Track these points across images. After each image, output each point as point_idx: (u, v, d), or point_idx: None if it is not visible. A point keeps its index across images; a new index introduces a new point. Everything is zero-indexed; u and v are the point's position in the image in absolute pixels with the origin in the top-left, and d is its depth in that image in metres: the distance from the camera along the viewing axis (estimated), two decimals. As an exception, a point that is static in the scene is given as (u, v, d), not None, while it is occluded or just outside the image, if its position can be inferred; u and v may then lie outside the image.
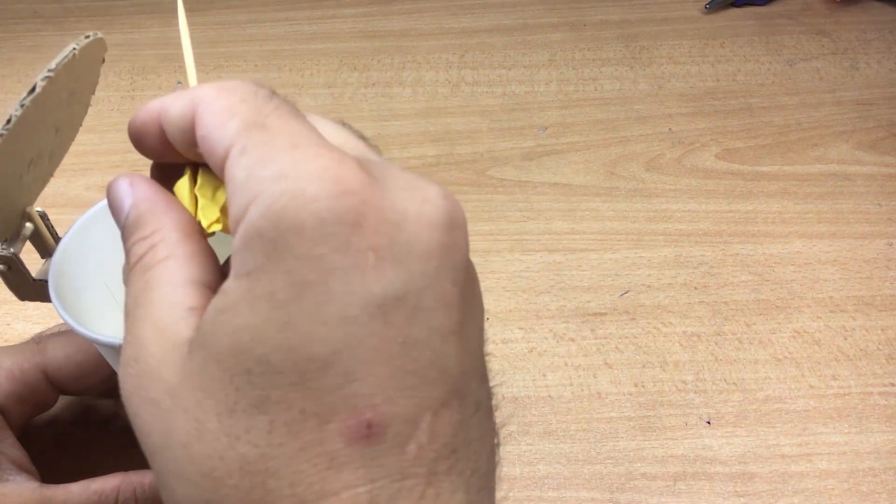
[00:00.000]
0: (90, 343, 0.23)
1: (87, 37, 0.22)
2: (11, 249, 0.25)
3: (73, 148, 0.59)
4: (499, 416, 0.18)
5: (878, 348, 0.39)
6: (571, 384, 0.38)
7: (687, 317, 0.41)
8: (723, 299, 0.41)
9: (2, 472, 0.28)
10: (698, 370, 0.38)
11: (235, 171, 0.15)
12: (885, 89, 0.55)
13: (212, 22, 0.66)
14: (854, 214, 0.46)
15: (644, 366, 0.38)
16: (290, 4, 0.67)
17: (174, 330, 0.16)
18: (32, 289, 0.26)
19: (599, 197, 0.48)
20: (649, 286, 0.42)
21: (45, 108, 0.22)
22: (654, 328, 0.40)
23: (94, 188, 0.50)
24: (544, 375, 0.38)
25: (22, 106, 0.21)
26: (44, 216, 0.27)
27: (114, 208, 0.19)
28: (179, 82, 0.59)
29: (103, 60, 0.24)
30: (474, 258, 0.52)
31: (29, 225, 0.26)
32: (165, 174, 0.20)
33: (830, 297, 0.41)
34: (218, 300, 0.15)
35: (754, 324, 0.40)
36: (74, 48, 0.22)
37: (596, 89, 0.57)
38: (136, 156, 0.61)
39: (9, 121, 0.21)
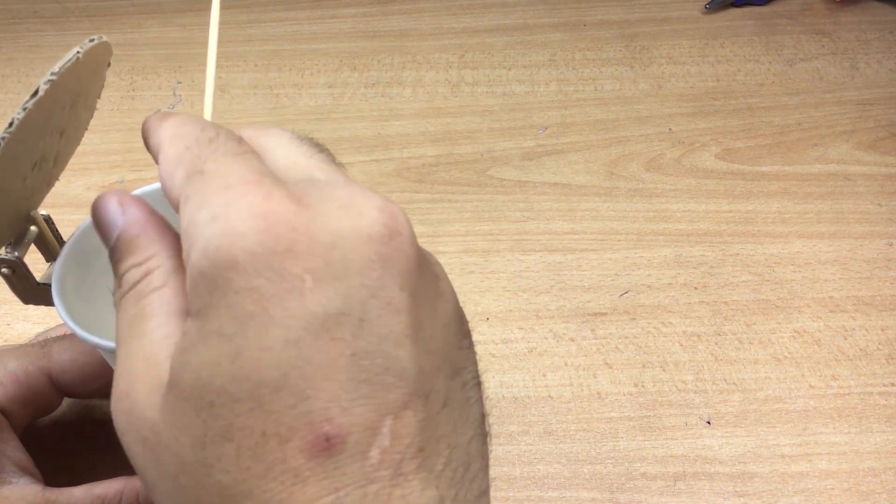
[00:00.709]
0: (94, 347, 0.23)
1: (92, 40, 0.22)
2: (16, 253, 0.25)
3: (74, 148, 0.58)
4: (490, 406, 0.18)
5: (878, 348, 0.39)
6: (571, 384, 0.38)
7: (687, 317, 0.41)
8: (723, 299, 0.41)
9: (5, 474, 0.28)
10: (698, 370, 0.38)
11: (181, 218, 0.16)
12: (886, 89, 0.55)
13: (212, 22, 0.66)
14: (854, 214, 0.46)
15: (644, 366, 0.38)
16: (290, 4, 0.67)
17: (164, 367, 0.16)
18: (36, 293, 0.26)
19: (599, 197, 0.48)
20: (649, 286, 0.42)
21: (48, 111, 0.22)
22: (655, 328, 0.40)
23: (95, 188, 0.50)
24: (544, 375, 0.38)
25: (24, 109, 0.21)
26: (48, 220, 0.27)
27: (102, 228, 0.19)
28: (179, 82, 0.59)
29: (109, 64, 0.24)
30: (475, 258, 0.52)
31: (33, 228, 0.26)
32: None
33: (831, 297, 0.41)
34: (181, 341, 0.16)
35: (754, 324, 0.40)
36: (79, 52, 0.22)
37: (596, 89, 0.57)
38: (136, 155, 0.61)
39: (11, 124, 0.21)
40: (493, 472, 0.32)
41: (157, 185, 0.28)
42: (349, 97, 0.57)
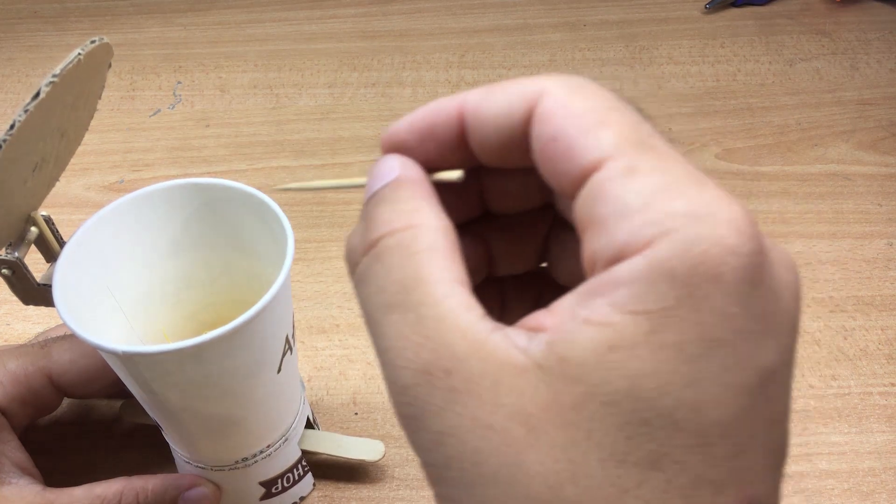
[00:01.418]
0: (95, 348, 0.23)
1: (93, 41, 0.22)
2: (16, 254, 0.25)
3: (74, 148, 0.58)
4: None
5: (878, 348, 0.39)
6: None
7: (687, 317, 0.41)
8: (723, 299, 0.41)
9: (5, 474, 0.28)
10: (698, 370, 0.38)
11: (620, 191, 0.14)
12: (886, 89, 0.55)
13: (212, 22, 0.66)
14: (854, 214, 0.46)
15: (644, 366, 0.38)
16: (290, 4, 0.67)
17: (495, 345, 0.14)
18: (37, 293, 0.26)
19: (599, 197, 0.48)
20: (649, 286, 0.42)
21: (49, 112, 0.22)
22: (655, 328, 0.40)
23: (94, 188, 0.50)
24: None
25: (26, 111, 0.21)
26: (49, 221, 0.27)
27: (375, 175, 0.17)
28: (179, 82, 0.59)
29: (109, 65, 0.24)
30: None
31: (34, 229, 0.26)
32: None
33: (830, 297, 0.41)
34: (604, 334, 0.13)
35: (754, 324, 0.40)
36: (80, 53, 0.22)
37: (596, 89, 0.57)
38: (136, 155, 0.61)
39: (12, 126, 0.21)
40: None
41: (157, 185, 0.28)
42: (349, 97, 0.57)
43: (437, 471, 0.14)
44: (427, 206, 0.16)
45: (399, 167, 0.17)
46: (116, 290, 0.28)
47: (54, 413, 0.33)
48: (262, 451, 0.29)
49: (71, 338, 0.30)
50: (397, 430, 0.36)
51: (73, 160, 0.56)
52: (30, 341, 0.33)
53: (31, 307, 0.28)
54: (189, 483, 0.29)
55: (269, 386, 0.27)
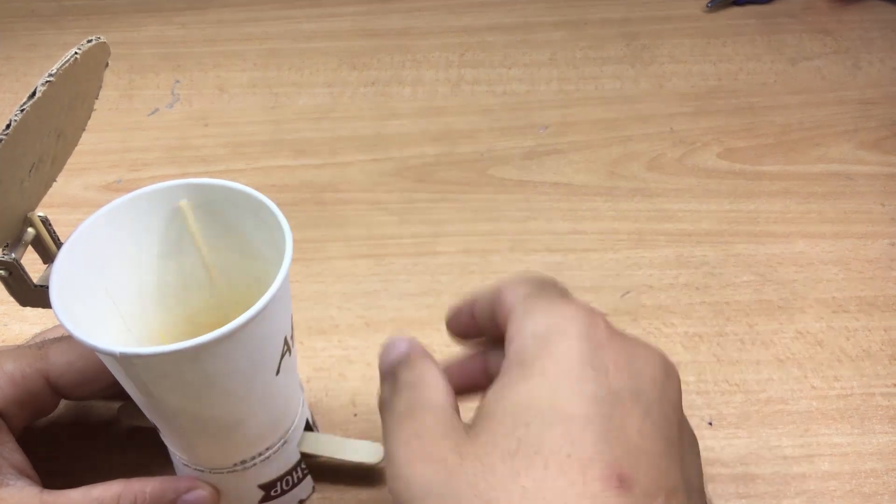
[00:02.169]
0: (92, 350, 0.23)
1: (90, 41, 0.22)
2: (13, 255, 0.25)
3: (72, 147, 0.58)
4: None
5: (880, 349, 0.39)
6: (573, 385, 0.38)
7: (689, 317, 0.40)
8: (725, 300, 0.41)
9: (2, 476, 0.28)
10: (700, 371, 0.38)
11: (516, 314, 0.23)
12: (888, 88, 0.55)
13: (210, 20, 0.66)
14: (857, 214, 0.46)
15: (646, 367, 0.38)
16: (289, 3, 0.67)
17: (448, 415, 0.22)
18: (34, 295, 0.26)
19: (600, 196, 0.48)
20: (651, 286, 0.42)
21: (46, 112, 0.22)
22: (656, 329, 0.40)
23: (92, 188, 0.50)
24: (545, 376, 0.38)
25: (22, 111, 0.21)
26: (45, 221, 0.27)
27: (388, 349, 0.25)
28: (177, 81, 0.59)
29: (107, 65, 0.24)
30: (475, 258, 0.52)
31: (31, 230, 0.26)
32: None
33: (833, 298, 0.41)
34: (496, 386, 0.22)
35: (756, 324, 0.40)
36: (76, 52, 0.22)
37: (597, 88, 0.56)
38: (134, 155, 0.61)
39: (8, 125, 0.21)
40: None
41: (155, 186, 0.28)
42: (349, 96, 0.57)
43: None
44: (429, 367, 0.24)
45: (408, 347, 0.25)
46: (113, 292, 0.28)
47: (52, 415, 0.33)
48: (260, 454, 0.29)
49: (68, 339, 0.30)
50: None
51: (70, 160, 0.56)
52: (27, 342, 0.33)
53: (29, 308, 0.28)
54: (187, 486, 0.29)
55: (268, 388, 0.27)
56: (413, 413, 0.23)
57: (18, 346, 0.30)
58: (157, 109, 0.56)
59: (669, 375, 0.22)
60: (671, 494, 0.20)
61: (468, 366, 0.26)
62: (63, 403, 0.34)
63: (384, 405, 0.24)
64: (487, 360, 0.26)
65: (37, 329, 0.37)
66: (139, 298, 0.29)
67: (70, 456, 0.35)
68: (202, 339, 0.22)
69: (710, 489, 0.33)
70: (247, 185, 0.28)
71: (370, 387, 0.38)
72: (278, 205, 0.27)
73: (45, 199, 0.51)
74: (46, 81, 0.21)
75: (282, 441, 0.30)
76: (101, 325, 0.27)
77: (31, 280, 0.26)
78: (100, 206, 0.27)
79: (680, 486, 0.20)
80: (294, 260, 0.44)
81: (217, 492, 0.30)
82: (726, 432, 0.35)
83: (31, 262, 0.27)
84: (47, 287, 0.24)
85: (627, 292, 0.42)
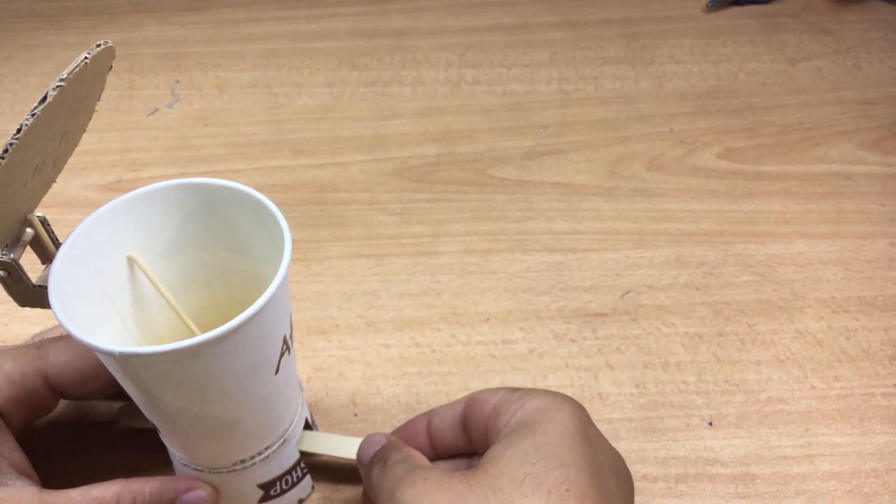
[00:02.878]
0: (91, 349, 0.23)
1: (99, 45, 0.22)
2: (11, 255, 0.25)
3: (72, 147, 0.58)
4: None
5: (880, 349, 0.39)
6: (572, 385, 0.38)
7: (689, 317, 0.40)
8: (724, 300, 0.41)
9: (2, 475, 0.27)
10: (700, 371, 0.38)
11: (506, 411, 0.28)
12: (888, 88, 0.55)
13: (210, 20, 0.66)
14: (856, 214, 0.46)
15: (645, 367, 0.38)
16: (289, 3, 0.67)
17: (444, 477, 0.25)
18: (33, 295, 0.26)
19: (600, 196, 0.48)
20: (651, 286, 0.42)
21: (53, 116, 0.22)
22: (656, 329, 0.40)
23: (92, 188, 0.50)
24: (545, 376, 0.38)
25: (33, 115, 0.21)
26: (44, 222, 0.26)
27: (368, 444, 0.29)
28: (178, 81, 0.59)
29: (110, 68, 0.24)
30: (475, 258, 0.52)
31: (29, 231, 0.26)
32: None
33: (833, 298, 0.41)
34: (501, 442, 0.26)
35: (756, 324, 0.40)
36: (87, 57, 0.22)
37: (597, 88, 0.56)
38: (134, 155, 0.61)
39: (19, 130, 0.21)
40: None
41: (153, 185, 0.28)
42: (349, 96, 0.57)
43: None
44: (411, 450, 0.28)
45: (384, 437, 0.30)
46: (112, 292, 0.28)
47: (52, 415, 0.33)
48: (260, 453, 0.29)
49: (67, 339, 0.30)
50: (397, 432, 0.36)
51: (70, 160, 0.56)
52: (26, 342, 0.33)
53: (28, 308, 0.28)
54: (186, 486, 0.29)
55: (267, 387, 0.27)
56: (413, 470, 0.26)
57: (17, 346, 0.30)
58: (157, 109, 0.56)
59: (628, 470, 0.28)
60: None
61: (415, 428, 0.31)
62: (63, 403, 0.34)
63: (377, 481, 0.27)
64: (432, 422, 0.30)
65: (37, 329, 0.37)
66: (138, 298, 0.29)
67: (69, 455, 0.35)
68: (201, 338, 0.22)
69: (711, 489, 0.33)
70: (247, 185, 0.28)
71: (370, 387, 0.38)
72: (278, 205, 0.27)
73: (45, 198, 0.51)
74: (58, 86, 0.21)
75: (281, 440, 0.30)
76: (100, 326, 0.27)
77: (29, 280, 0.26)
78: (99, 205, 0.27)
79: None
80: (294, 260, 0.44)
81: (216, 492, 0.30)
82: (726, 432, 0.35)
83: (29, 262, 0.27)
84: (46, 287, 0.24)
85: (627, 292, 0.42)
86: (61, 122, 0.23)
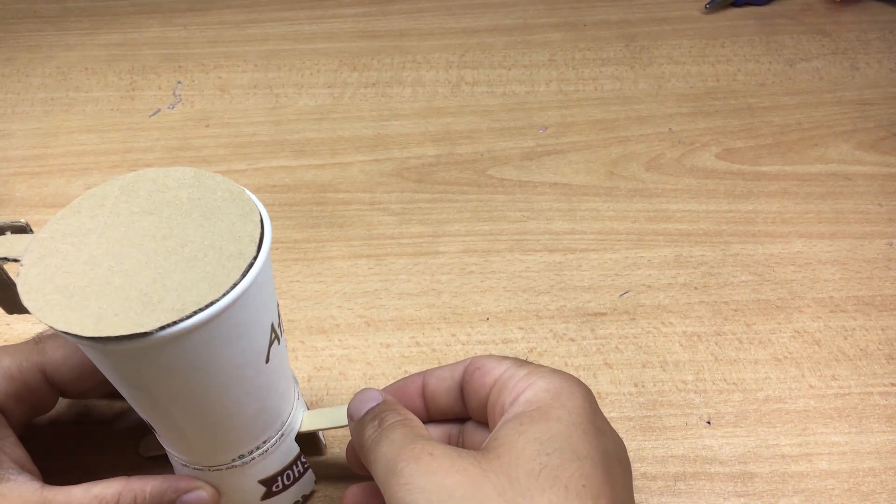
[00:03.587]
0: (69, 338, 0.23)
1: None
2: None
3: (73, 148, 0.59)
4: None
5: (878, 348, 0.39)
6: (572, 384, 0.38)
7: (687, 317, 0.41)
8: (723, 299, 0.41)
9: (3, 471, 0.28)
10: (698, 370, 0.38)
11: (511, 383, 0.27)
12: (886, 89, 0.55)
13: (211, 21, 0.66)
14: (854, 214, 0.46)
15: (644, 366, 0.38)
16: (290, 4, 0.67)
17: (453, 455, 0.24)
18: (21, 301, 0.26)
19: (599, 197, 0.48)
20: (649, 286, 0.42)
21: None
22: (655, 328, 0.40)
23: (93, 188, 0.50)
24: (544, 375, 0.38)
25: None
26: (27, 228, 0.26)
27: (361, 399, 0.28)
28: (179, 82, 0.59)
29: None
30: (475, 258, 0.52)
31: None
32: None
33: (831, 297, 0.41)
34: (511, 423, 0.25)
35: (754, 324, 0.40)
36: None
37: (596, 89, 0.57)
38: (135, 155, 0.61)
39: None
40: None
41: (119, 178, 0.27)
42: (349, 97, 0.57)
43: None
44: (407, 411, 0.28)
45: (380, 395, 0.28)
46: None
47: (53, 413, 0.33)
48: (258, 447, 0.29)
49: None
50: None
51: (72, 160, 0.56)
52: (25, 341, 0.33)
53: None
54: (187, 486, 0.29)
55: (259, 377, 0.27)
56: (416, 440, 0.25)
57: (16, 343, 0.31)
58: (158, 110, 0.57)
59: (626, 453, 0.28)
60: None
61: (408, 388, 0.30)
62: (62, 402, 0.34)
63: (372, 442, 0.26)
64: (428, 384, 0.29)
65: (40, 328, 0.38)
66: None
67: (71, 453, 0.35)
68: (183, 325, 0.22)
69: (709, 488, 0.34)
70: (247, 185, 0.28)
71: (371, 386, 0.38)
72: (279, 205, 0.27)
73: (48, 199, 0.51)
74: None
75: (279, 434, 0.30)
76: None
77: (16, 287, 0.26)
78: (102, 205, 0.27)
79: None
80: (294, 260, 0.45)
81: (217, 493, 0.30)
82: (724, 431, 0.36)
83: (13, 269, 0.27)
84: None
85: (626, 292, 0.42)
86: None
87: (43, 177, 0.51)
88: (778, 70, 0.58)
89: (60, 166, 0.52)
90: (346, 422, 0.30)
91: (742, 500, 0.33)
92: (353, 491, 0.29)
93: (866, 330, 0.40)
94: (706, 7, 0.64)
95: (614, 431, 0.27)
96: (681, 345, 0.39)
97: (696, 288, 0.42)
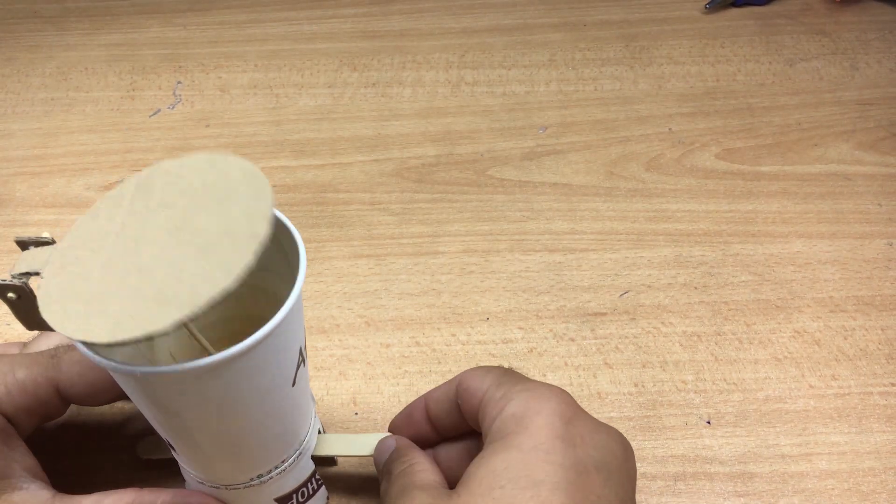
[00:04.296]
0: (104, 368, 0.23)
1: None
2: (24, 279, 0.24)
3: (73, 148, 0.59)
4: None
5: (878, 348, 0.39)
6: (571, 384, 0.38)
7: (687, 317, 0.41)
8: (723, 299, 0.41)
9: (16, 479, 0.28)
10: (698, 370, 0.38)
11: (491, 405, 0.27)
12: (886, 89, 0.55)
13: (212, 22, 0.66)
14: (854, 214, 0.46)
15: (644, 366, 0.38)
16: (290, 4, 0.67)
17: (435, 489, 0.27)
18: (42, 318, 0.26)
19: (599, 197, 0.48)
20: (649, 286, 0.42)
21: None
22: (654, 328, 0.40)
23: (94, 188, 0.50)
24: (544, 375, 0.38)
25: None
26: (52, 242, 0.26)
27: (381, 448, 0.30)
28: (179, 82, 0.59)
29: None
30: (475, 258, 0.52)
31: None
32: None
33: (830, 297, 0.41)
34: (477, 458, 0.26)
35: (754, 324, 0.40)
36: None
37: (596, 89, 0.57)
38: (136, 155, 0.61)
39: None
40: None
41: None
42: (349, 97, 0.57)
43: None
44: (416, 454, 0.29)
45: (395, 441, 0.30)
46: None
47: (65, 420, 0.33)
48: (276, 467, 0.29)
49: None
50: (397, 430, 0.36)
51: (73, 160, 0.56)
52: (29, 341, 0.33)
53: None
54: (199, 501, 0.29)
55: (285, 400, 0.26)
56: (405, 493, 0.27)
57: (31, 353, 0.30)
58: (158, 110, 0.57)
59: (627, 450, 0.27)
60: None
61: (414, 413, 0.31)
62: (77, 409, 0.34)
63: (383, 496, 0.28)
64: (429, 407, 0.30)
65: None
66: None
67: (70, 454, 0.35)
68: (223, 355, 0.22)
69: (709, 488, 0.34)
70: None
71: (370, 386, 0.38)
72: (280, 205, 0.27)
73: (49, 199, 0.51)
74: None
75: (297, 453, 0.29)
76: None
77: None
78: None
79: None
80: (295, 260, 0.44)
81: None
82: (724, 431, 0.36)
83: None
84: None
85: (626, 292, 0.42)
86: None
87: (43, 177, 0.51)
88: (778, 70, 0.58)
89: (60, 166, 0.52)
90: (360, 451, 0.31)
91: (742, 500, 0.33)
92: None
93: (866, 330, 0.40)
94: (706, 7, 0.64)
95: (599, 436, 0.26)
96: (681, 345, 0.39)
97: (696, 288, 0.42)
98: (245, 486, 0.29)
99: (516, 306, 0.41)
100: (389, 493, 0.28)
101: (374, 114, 0.55)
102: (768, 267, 0.43)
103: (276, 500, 0.30)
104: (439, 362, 0.39)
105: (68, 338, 0.22)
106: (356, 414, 0.37)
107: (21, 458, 0.28)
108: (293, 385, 0.26)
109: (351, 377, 0.38)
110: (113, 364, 0.22)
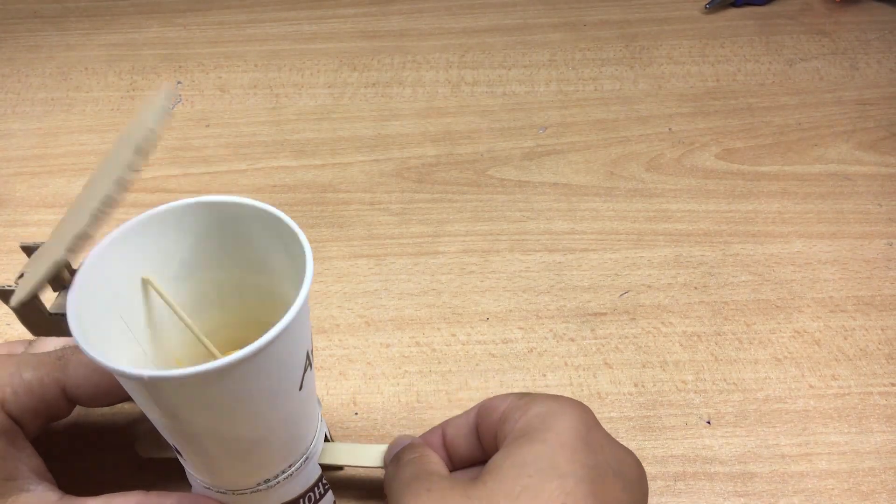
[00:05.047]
0: (112, 373, 0.23)
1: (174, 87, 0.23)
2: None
3: (73, 148, 0.59)
4: None
5: (878, 348, 0.39)
6: (571, 384, 0.38)
7: (687, 317, 0.41)
8: (723, 299, 0.41)
9: (23, 481, 0.28)
10: (698, 370, 0.38)
11: (512, 417, 0.28)
12: (886, 89, 0.55)
13: (212, 22, 0.66)
14: (854, 214, 0.46)
15: (644, 366, 0.38)
16: (290, 4, 0.67)
17: (450, 477, 0.27)
18: (48, 323, 0.26)
19: (599, 197, 0.48)
20: (649, 286, 0.42)
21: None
22: (654, 328, 0.40)
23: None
24: (544, 375, 0.38)
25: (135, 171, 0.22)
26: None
27: (394, 444, 0.31)
28: (179, 82, 0.59)
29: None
30: (475, 258, 0.52)
31: None
32: None
33: (830, 297, 0.41)
34: (501, 451, 0.26)
35: (754, 324, 0.40)
36: (170, 108, 0.23)
37: (596, 89, 0.57)
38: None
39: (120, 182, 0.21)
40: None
41: (167, 206, 0.27)
42: (349, 97, 0.57)
43: None
44: (429, 449, 0.30)
45: (409, 438, 0.31)
46: (127, 315, 0.27)
47: (71, 421, 0.33)
48: (283, 472, 0.29)
49: None
50: (397, 430, 0.36)
51: (73, 160, 0.56)
52: (30, 341, 0.33)
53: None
54: None
55: (292, 404, 0.26)
56: (420, 476, 0.27)
57: (38, 354, 0.30)
58: (158, 110, 0.57)
59: (641, 469, 0.28)
60: None
61: (430, 440, 0.31)
62: (83, 410, 0.34)
63: (389, 481, 0.28)
64: (446, 432, 0.31)
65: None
66: (153, 321, 0.28)
67: (70, 454, 0.35)
68: (230, 359, 0.22)
69: (709, 488, 0.34)
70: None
71: (370, 386, 0.38)
72: (280, 205, 0.27)
73: (49, 199, 0.51)
74: (150, 138, 0.22)
75: (304, 458, 0.29)
76: (117, 349, 0.26)
77: (46, 309, 0.25)
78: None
79: None
80: (295, 260, 0.44)
81: None
82: (724, 431, 0.36)
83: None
84: (62, 314, 0.24)
85: (626, 292, 0.42)
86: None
87: (43, 177, 0.51)
88: (778, 70, 0.58)
89: (60, 166, 0.52)
90: (366, 462, 0.31)
91: (742, 499, 0.33)
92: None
93: (866, 330, 0.40)
94: (706, 7, 0.64)
95: (618, 447, 0.27)
96: (681, 345, 0.39)
97: (696, 288, 0.42)
98: (252, 491, 0.29)
99: (516, 306, 0.41)
100: (399, 476, 0.27)
101: (374, 114, 0.55)
102: (768, 267, 0.43)
103: None
104: (439, 362, 0.39)
105: (97, 361, 0.22)
106: (356, 414, 0.37)
107: (28, 459, 0.28)
108: (300, 389, 0.26)
109: (351, 377, 0.38)
110: (120, 369, 0.22)
